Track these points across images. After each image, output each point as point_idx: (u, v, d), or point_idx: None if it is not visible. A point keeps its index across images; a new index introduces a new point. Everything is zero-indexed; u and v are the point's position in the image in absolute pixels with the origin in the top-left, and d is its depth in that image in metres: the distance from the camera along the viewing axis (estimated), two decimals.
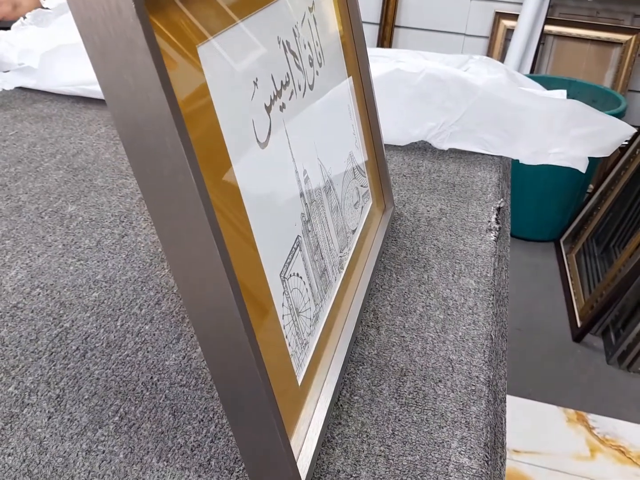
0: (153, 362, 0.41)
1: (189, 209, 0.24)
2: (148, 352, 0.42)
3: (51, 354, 0.41)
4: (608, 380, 1.52)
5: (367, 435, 0.37)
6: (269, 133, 0.34)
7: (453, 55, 0.91)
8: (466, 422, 0.38)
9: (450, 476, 0.35)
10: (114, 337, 0.43)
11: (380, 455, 0.36)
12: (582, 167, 0.71)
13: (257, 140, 0.32)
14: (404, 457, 0.36)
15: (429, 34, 2.16)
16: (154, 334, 0.44)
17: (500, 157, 0.72)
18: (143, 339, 0.43)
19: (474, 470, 0.35)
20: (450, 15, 2.10)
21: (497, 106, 0.67)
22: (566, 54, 2.09)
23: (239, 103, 0.30)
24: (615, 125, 0.63)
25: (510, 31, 2.05)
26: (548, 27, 2.02)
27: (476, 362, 0.43)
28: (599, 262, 1.78)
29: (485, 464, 0.36)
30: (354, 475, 0.35)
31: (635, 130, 0.63)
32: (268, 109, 0.34)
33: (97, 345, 0.42)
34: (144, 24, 0.21)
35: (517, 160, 0.73)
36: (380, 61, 0.75)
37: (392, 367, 0.42)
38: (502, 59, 2.07)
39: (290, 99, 0.37)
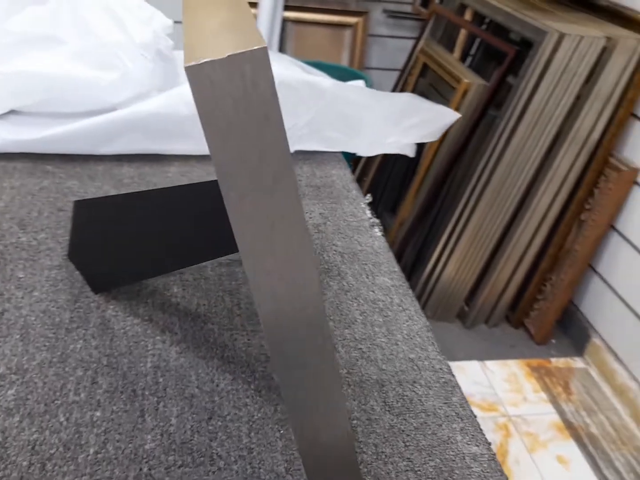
0: (130, 450, 0.36)
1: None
2: (118, 441, 0.36)
3: None
4: None
5: (385, 455, 0.38)
6: None
7: None
8: (456, 413, 0.41)
9: (472, 468, 0.37)
10: (67, 435, 0.36)
11: (407, 470, 0.37)
12: (411, 153, 0.78)
13: None
14: (427, 465, 0.37)
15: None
16: (113, 419, 0.38)
17: (343, 153, 0.76)
18: (103, 429, 0.37)
19: (486, 456, 0.38)
20: None
21: (341, 106, 0.70)
22: (306, 37, 2.22)
23: None
24: (443, 112, 0.71)
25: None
26: (286, 14, 2.13)
27: (432, 355, 0.46)
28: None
29: (490, 446, 0.39)
30: None
31: (459, 115, 0.72)
32: None
33: (51, 452, 0.35)
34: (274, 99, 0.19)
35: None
36: None
37: (367, 382, 0.43)
38: None
39: None
